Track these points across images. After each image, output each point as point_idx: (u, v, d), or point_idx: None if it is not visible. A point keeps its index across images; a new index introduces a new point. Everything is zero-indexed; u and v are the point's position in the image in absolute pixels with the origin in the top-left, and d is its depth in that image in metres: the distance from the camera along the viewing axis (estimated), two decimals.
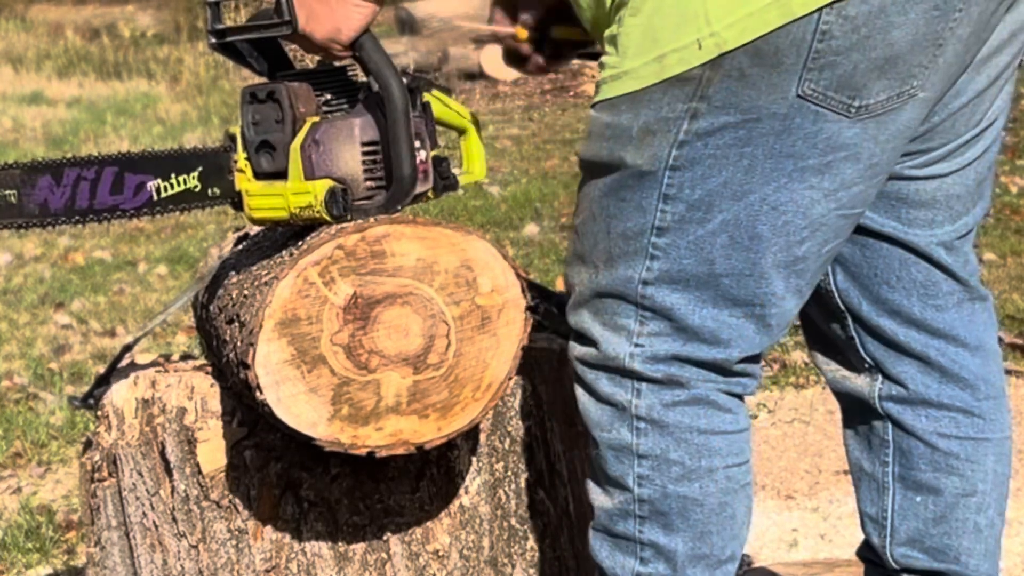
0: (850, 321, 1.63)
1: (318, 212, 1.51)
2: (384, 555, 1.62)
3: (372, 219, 1.48)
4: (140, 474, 1.61)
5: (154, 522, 1.61)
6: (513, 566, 1.68)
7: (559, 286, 4.35)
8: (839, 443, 3.33)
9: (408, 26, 10.75)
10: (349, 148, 1.54)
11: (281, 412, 1.39)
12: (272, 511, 1.60)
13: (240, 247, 1.77)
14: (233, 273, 1.64)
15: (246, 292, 1.49)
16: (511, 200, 6.06)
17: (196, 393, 1.61)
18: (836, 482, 2.95)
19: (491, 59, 9.47)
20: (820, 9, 1.32)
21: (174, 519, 1.60)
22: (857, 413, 1.70)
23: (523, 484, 1.69)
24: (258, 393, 1.38)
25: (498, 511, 1.67)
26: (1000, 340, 3.88)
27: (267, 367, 1.39)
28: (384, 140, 1.53)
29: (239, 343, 1.43)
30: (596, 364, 1.48)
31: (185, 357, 1.87)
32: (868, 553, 1.75)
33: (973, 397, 1.62)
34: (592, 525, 1.53)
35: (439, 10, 10.74)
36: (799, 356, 3.74)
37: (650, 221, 1.43)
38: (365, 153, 1.53)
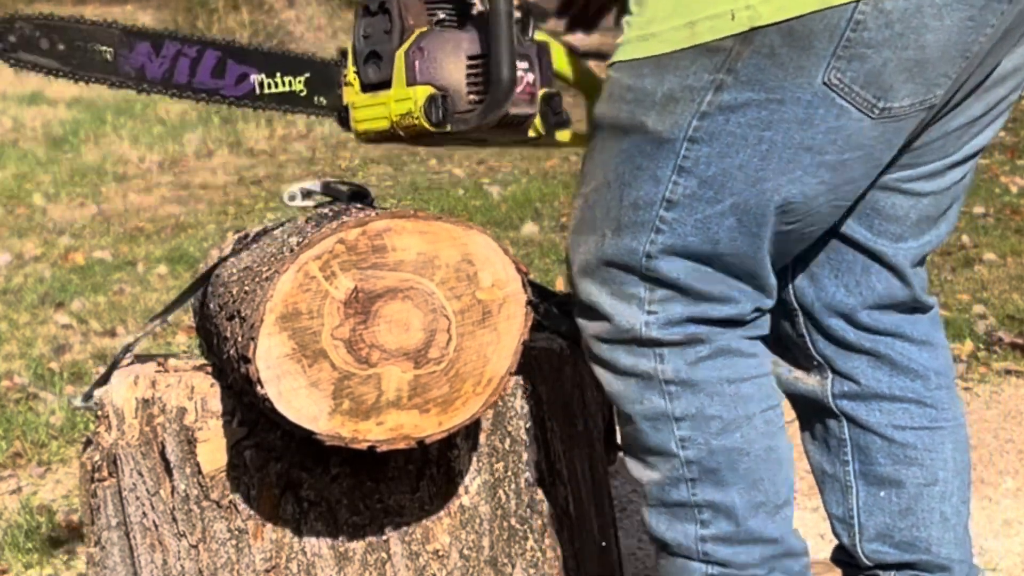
0: (801, 318, 1.64)
1: (417, 119, 1.52)
2: (384, 555, 1.62)
3: (373, 213, 1.48)
4: (140, 474, 1.61)
5: (154, 522, 1.61)
6: (513, 566, 1.68)
7: (559, 286, 4.35)
8: None
9: None
10: (454, 59, 1.54)
11: (282, 406, 1.39)
12: (272, 511, 1.60)
13: (240, 247, 1.77)
14: (234, 271, 1.64)
15: (247, 288, 1.49)
16: (511, 200, 6.06)
17: (196, 393, 1.61)
18: None
19: None
20: (857, 0, 1.32)
21: (174, 519, 1.60)
22: (813, 415, 1.72)
23: (523, 484, 1.69)
24: (259, 387, 1.38)
25: (498, 511, 1.67)
26: (1000, 340, 3.88)
27: (268, 361, 1.38)
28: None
29: (240, 338, 1.43)
30: (612, 339, 1.48)
31: (185, 357, 1.87)
32: (841, 555, 1.75)
33: (924, 387, 1.64)
34: (646, 503, 1.53)
35: None
36: None
37: (662, 192, 1.42)
38: (470, 67, 1.54)
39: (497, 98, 1.53)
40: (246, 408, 1.59)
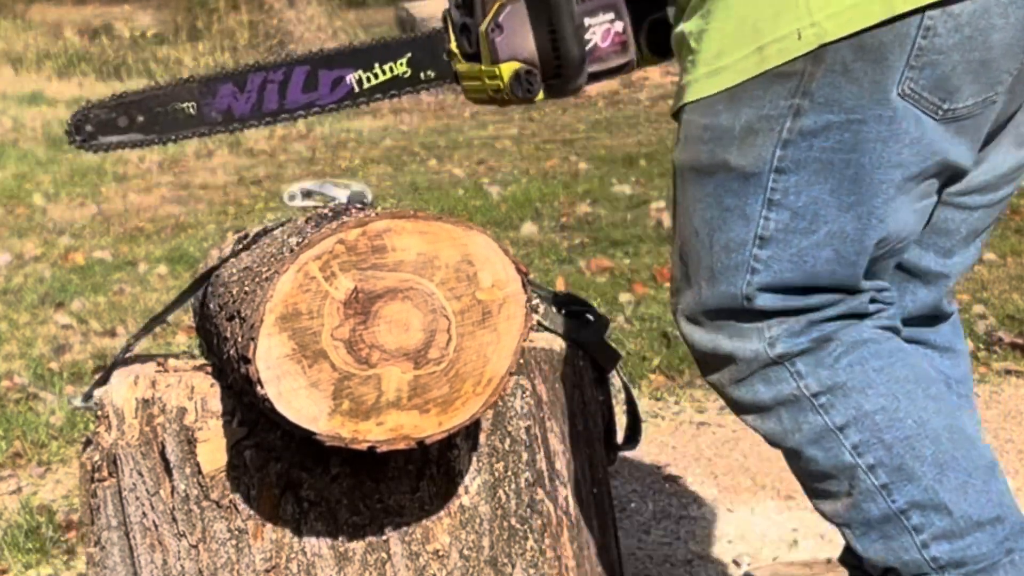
0: None
1: (507, 95, 1.51)
2: (384, 555, 1.62)
3: (373, 213, 1.48)
4: (140, 474, 1.61)
5: (154, 522, 1.61)
6: (513, 566, 1.68)
7: (559, 286, 4.35)
8: None
9: (408, 26, 10.76)
10: (534, 31, 1.52)
11: (282, 407, 1.39)
12: (272, 511, 1.60)
13: (240, 247, 1.77)
14: (234, 271, 1.64)
15: (247, 288, 1.49)
16: (511, 200, 6.06)
17: (196, 393, 1.61)
18: None
19: None
20: (924, 8, 1.29)
21: (174, 519, 1.60)
22: None
23: (523, 484, 1.69)
24: (259, 388, 1.38)
25: (498, 511, 1.67)
26: (1000, 340, 3.88)
27: (268, 362, 1.38)
28: None
29: (240, 338, 1.43)
30: (744, 376, 1.41)
31: (184, 357, 1.87)
32: (850, 558, 1.74)
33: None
34: (852, 535, 1.43)
35: (439, 10, 10.75)
36: None
37: (753, 230, 1.37)
38: (551, 35, 1.52)
39: (569, 74, 1.52)
40: (246, 408, 1.59)
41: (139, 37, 11.91)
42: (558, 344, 1.77)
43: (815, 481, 1.43)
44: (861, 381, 1.39)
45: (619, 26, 1.55)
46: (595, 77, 1.58)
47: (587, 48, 1.56)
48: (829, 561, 2.52)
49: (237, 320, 1.47)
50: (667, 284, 4.53)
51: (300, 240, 1.49)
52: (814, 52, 1.31)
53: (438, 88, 1.66)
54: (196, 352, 1.99)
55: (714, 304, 1.42)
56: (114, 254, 5.55)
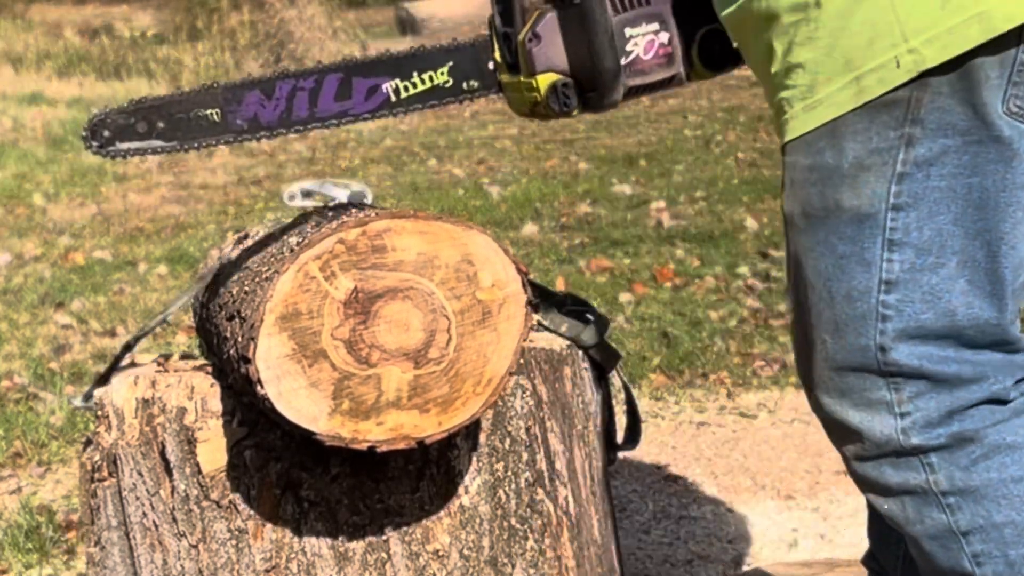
0: None
1: (544, 108, 1.46)
2: (384, 555, 1.62)
3: (373, 213, 1.48)
4: (140, 474, 1.61)
5: (154, 522, 1.61)
6: (513, 566, 1.68)
7: (559, 286, 4.35)
8: None
9: (408, 26, 10.76)
10: (572, 41, 1.47)
11: (282, 407, 1.39)
12: (272, 511, 1.60)
13: (240, 246, 1.77)
14: (234, 271, 1.64)
15: (247, 288, 1.49)
16: (511, 200, 6.06)
17: (196, 393, 1.61)
18: (836, 482, 2.95)
19: None
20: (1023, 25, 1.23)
21: (174, 519, 1.60)
22: None
23: (523, 484, 1.69)
24: (259, 388, 1.38)
25: (498, 511, 1.67)
26: None
27: (268, 361, 1.38)
28: None
29: (240, 338, 1.43)
30: (871, 455, 1.34)
31: (185, 357, 1.87)
32: (873, 564, 1.72)
33: None
34: None
35: (439, 10, 10.75)
36: None
37: (876, 275, 1.29)
38: (587, 43, 1.46)
39: (604, 86, 1.46)
40: (246, 408, 1.59)
41: (139, 37, 11.91)
42: (558, 344, 1.77)
43: (929, 571, 1.37)
44: (996, 491, 1.32)
45: (664, 37, 1.48)
46: (637, 91, 1.51)
47: (628, 60, 1.49)
48: (829, 561, 2.52)
49: (237, 320, 1.47)
50: (667, 284, 4.53)
51: (300, 240, 1.49)
52: (915, 79, 1.24)
53: (482, 97, 1.58)
54: (196, 352, 1.99)
55: (842, 359, 1.32)
56: (114, 254, 5.55)
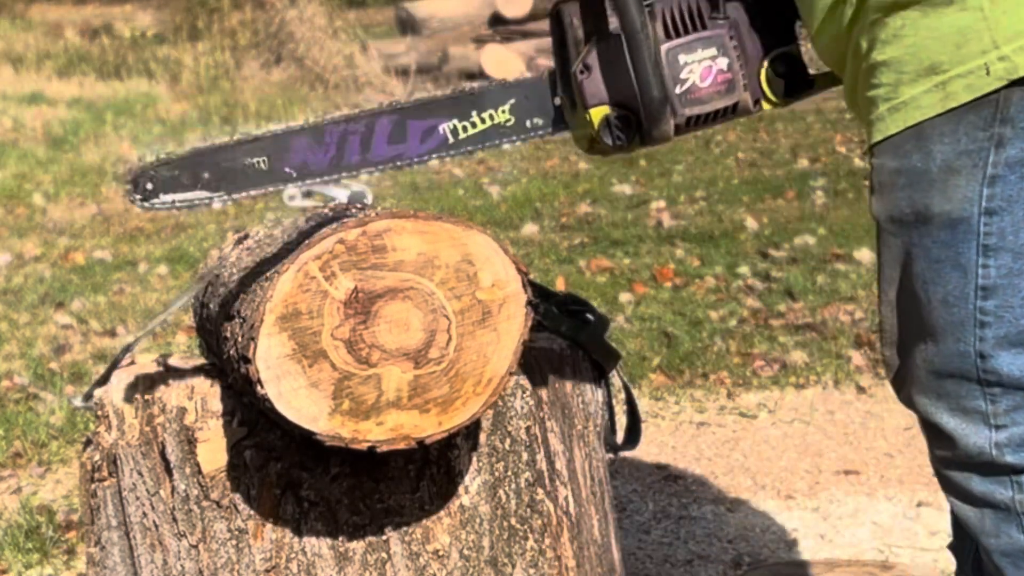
0: None
1: (599, 143, 1.39)
2: (384, 555, 1.62)
3: (373, 213, 1.48)
4: (140, 474, 1.61)
5: (154, 522, 1.61)
6: (513, 566, 1.68)
7: (559, 286, 4.35)
8: (839, 443, 3.35)
9: (408, 26, 10.76)
10: (623, 72, 1.39)
11: (282, 407, 1.39)
12: (272, 511, 1.60)
13: (240, 246, 1.77)
14: (234, 271, 1.63)
15: (247, 288, 1.49)
16: (511, 200, 6.06)
17: (196, 393, 1.61)
18: (836, 482, 2.95)
19: (491, 59, 9.47)
20: None
21: (174, 519, 1.60)
22: None
23: (523, 484, 1.69)
24: (259, 388, 1.38)
25: (498, 511, 1.67)
26: None
27: (268, 361, 1.38)
28: None
29: (240, 338, 1.43)
30: (961, 463, 1.31)
31: (185, 357, 1.87)
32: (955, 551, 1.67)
33: None
34: None
35: (439, 10, 10.75)
36: (799, 356, 3.75)
37: (972, 282, 1.25)
38: (633, 72, 1.39)
39: (652, 118, 1.38)
40: (246, 408, 1.59)
41: (139, 37, 11.91)
42: (558, 344, 1.77)
43: None
44: None
45: (723, 63, 1.40)
46: (696, 121, 1.43)
47: (683, 88, 1.41)
48: (829, 561, 2.52)
49: (237, 320, 1.47)
50: (667, 284, 4.53)
51: (300, 240, 1.49)
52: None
53: (547, 135, 1.50)
54: (196, 352, 1.99)
55: (940, 364, 1.29)
56: (114, 254, 5.55)
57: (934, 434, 1.33)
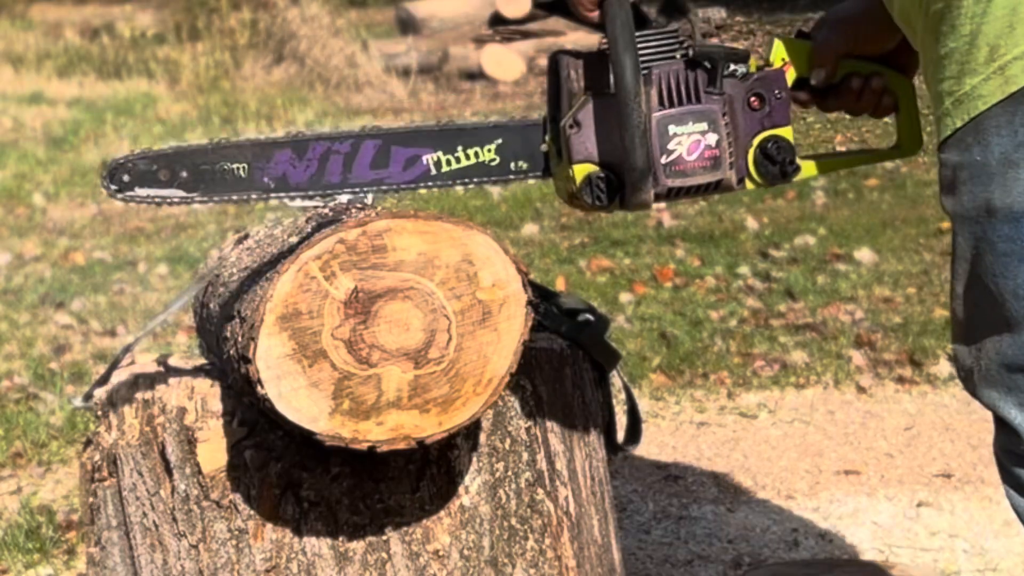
0: None
1: (580, 200, 1.38)
2: (384, 555, 1.62)
3: (373, 213, 1.48)
4: (140, 474, 1.61)
5: (154, 522, 1.61)
6: (513, 566, 1.68)
7: (559, 286, 4.35)
8: (839, 443, 3.35)
9: (408, 26, 10.76)
10: (613, 132, 1.38)
11: (282, 407, 1.39)
12: (272, 511, 1.60)
13: (240, 246, 1.77)
14: (234, 271, 1.63)
15: (247, 288, 1.49)
16: (511, 200, 6.06)
17: (196, 393, 1.61)
18: (836, 482, 2.95)
19: (491, 59, 9.47)
20: None
21: (174, 519, 1.60)
22: None
23: (523, 484, 1.69)
24: (259, 388, 1.38)
25: (498, 511, 1.67)
26: None
27: (268, 361, 1.39)
28: None
29: (240, 338, 1.43)
30: (1019, 453, 1.30)
31: (185, 357, 1.87)
32: None
33: None
34: None
35: (439, 10, 10.75)
36: (799, 356, 3.75)
37: None
38: (624, 137, 1.37)
39: (632, 185, 1.37)
40: (246, 408, 1.59)
41: (139, 37, 11.90)
42: (558, 344, 1.77)
43: None
44: None
45: (712, 139, 1.39)
46: (678, 194, 1.43)
47: (669, 159, 1.40)
48: (829, 561, 2.52)
49: (237, 319, 1.47)
50: (667, 284, 4.53)
51: (300, 240, 1.49)
52: None
53: (530, 180, 1.49)
54: (196, 352, 1.99)
55: (1013, 356, 1.27)
56: (114, 254, 5.55)
57: (1001, 427, 1.32)
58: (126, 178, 1.49)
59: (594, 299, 4.18)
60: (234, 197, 1.50)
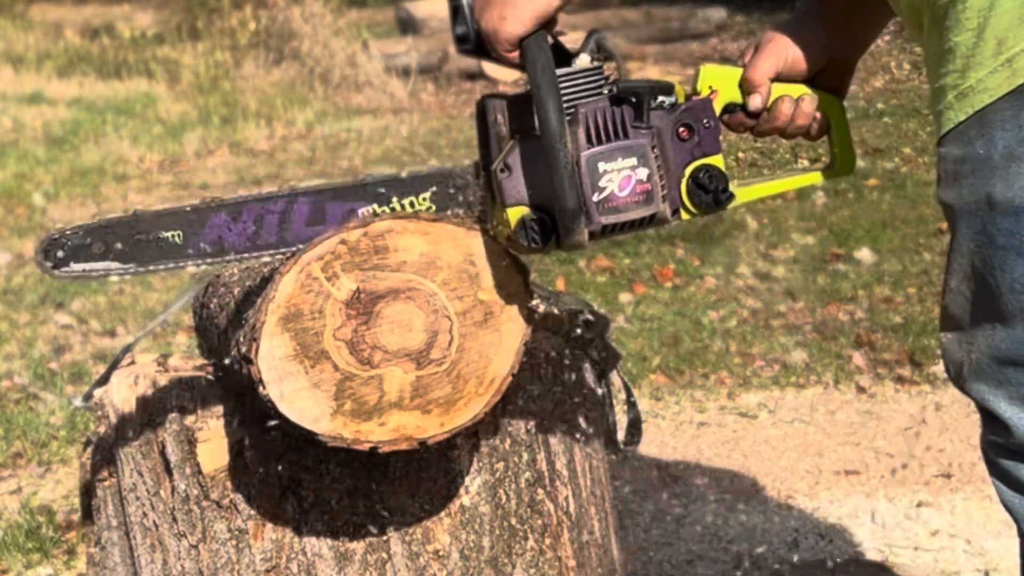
0: None
1: (516, 243, 1.38)
2: (384, 555, 1.62)
3: (374, 213, 1.48)
4: (140, 474, 1.61)
5: (154, 522, 1.61)
6: (513, 566, 1.68)
7: (559, 286, 4.35)
8: (839, 443, 3.35)
9: (408, 26, 10.76)
10: (537, 174, 1.38)
11: (284, 407, 1.39)
12: (272, 511, 1.60)
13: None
14: (234, 271, 1.64)
15: (248, 288, 1.49)
16: None
17: (196, 393, 1.61)
18: (836, 482, 2.95)
19: None
20: None
21: (174, 519, 1.60)
22: None
23: (523, 484, 1.69)
24: (261, 388, 1.38)
25: (498, 511, 1.67)
26: None
27: (270, 362, 1.39)
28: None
29: (242, 339, 1.43)
30: (1013, 451, 1.30)
31: (185, 357, 1.87)
32: None
33: None
34: None
35: (439, 10, 10.75)
36: (799, 356, 3.75)
37: None
38: (552, 179, 1.36)
39: (566, 226, 1.35)
40: (246, 408, 1.59)
41: (139, 37, 11.90)
42: (558, 344, 1.77)
43: None
44: None
45: (643, 173, 1.37)
46: (612, 230, 1.41)
47: (601, 196, 1.38)
48: (829, 561, 2.52)
49: (239, 320, 1.47)
50: (667, 284, 4.53)
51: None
52: None
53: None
54: (196, 352, 1.99)
55: (1006, 350, 1.27)
56: None
57: (989, 420, 1.32)
58: (60, 254, 1.47)
59: (594, 299, 4.19)
60: (171, 266, 1.48)
